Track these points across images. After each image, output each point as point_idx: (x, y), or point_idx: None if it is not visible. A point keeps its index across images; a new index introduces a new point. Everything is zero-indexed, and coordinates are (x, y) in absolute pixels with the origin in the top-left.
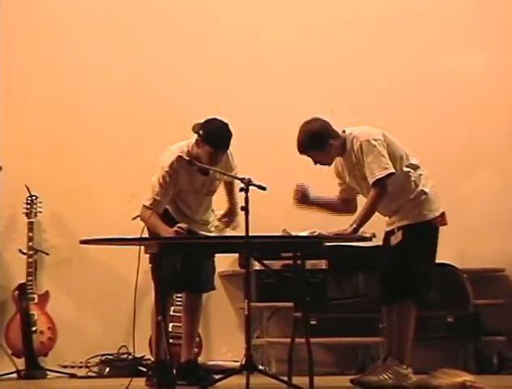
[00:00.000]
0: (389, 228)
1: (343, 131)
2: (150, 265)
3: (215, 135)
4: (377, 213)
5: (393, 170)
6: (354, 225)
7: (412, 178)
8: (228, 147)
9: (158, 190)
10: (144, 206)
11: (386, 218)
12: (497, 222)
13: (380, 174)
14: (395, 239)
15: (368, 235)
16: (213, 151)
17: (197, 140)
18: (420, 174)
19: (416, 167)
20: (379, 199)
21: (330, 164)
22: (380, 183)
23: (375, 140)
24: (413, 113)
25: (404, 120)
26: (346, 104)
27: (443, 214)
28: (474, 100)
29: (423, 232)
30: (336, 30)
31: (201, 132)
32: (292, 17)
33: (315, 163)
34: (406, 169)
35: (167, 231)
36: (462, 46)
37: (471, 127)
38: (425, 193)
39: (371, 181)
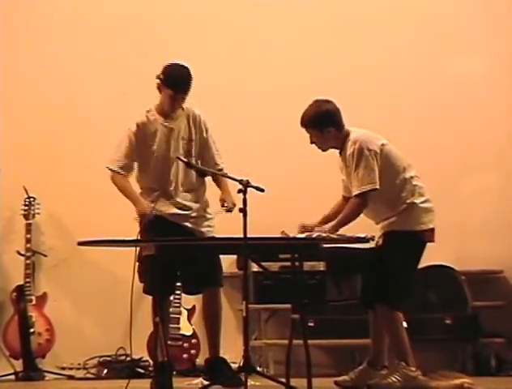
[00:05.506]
0: (379, 233)
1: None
2: (137, 263)
3: (174, 78)
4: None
5: (377, 186)
6: (329, 227)
7: (405, 192)
8: (188, 90)
9: (121, 151)
10: (109, 169)
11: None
12: (495, 223)
13: (364, 188)
14: (377, 243)
15: (368, 237)
16: (173, 93)
17: (158, 85)
18: (415, 188)
19: (412, 180)
20: (358, 211)
21: (324, 150)
22: (362, 196)
23: (369, 151)
24: (413, 113)
25: (404, 120)
26: (346, 105)
27: (432, 230)
28: (474, 100)
29: (405, 242)
30: (336, 30)
31: (161, 76)
32: (294, 17)
33: (311, 142)
34: (400, 182)
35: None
36: (461, 47)
37: (471, 128)
38: (416, 205)
39: (354, 192)
